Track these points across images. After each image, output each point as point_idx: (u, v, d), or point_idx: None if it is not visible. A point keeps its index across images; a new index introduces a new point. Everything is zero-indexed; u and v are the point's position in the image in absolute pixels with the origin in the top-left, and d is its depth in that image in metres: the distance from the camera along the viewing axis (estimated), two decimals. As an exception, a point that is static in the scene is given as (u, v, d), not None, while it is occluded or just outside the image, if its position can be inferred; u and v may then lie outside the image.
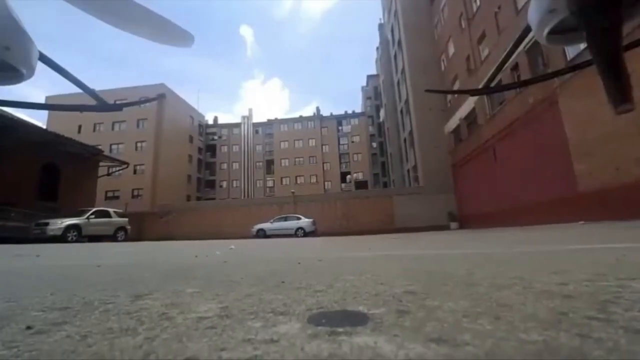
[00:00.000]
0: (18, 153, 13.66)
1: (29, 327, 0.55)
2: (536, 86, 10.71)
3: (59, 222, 12.30)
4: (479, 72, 15.55)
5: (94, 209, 14.03)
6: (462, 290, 0.80)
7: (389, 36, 31.30)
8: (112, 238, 14.06)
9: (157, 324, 0.57)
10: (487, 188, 15.02)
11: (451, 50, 19.76)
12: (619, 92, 0.48)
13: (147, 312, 0.65)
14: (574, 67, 0.93)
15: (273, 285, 0.99)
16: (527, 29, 0.70)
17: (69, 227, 12.42)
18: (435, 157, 20.69)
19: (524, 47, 11.16)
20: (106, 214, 14.25)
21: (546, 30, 0.59)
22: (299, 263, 1.80)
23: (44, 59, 0.73)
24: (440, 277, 1.05)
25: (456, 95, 19.53)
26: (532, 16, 0.61)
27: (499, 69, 1.10)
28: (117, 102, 1.00)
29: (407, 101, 24.78)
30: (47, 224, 12.15)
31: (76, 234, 12.61)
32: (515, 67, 12.39)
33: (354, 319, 0.56)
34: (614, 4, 0.47)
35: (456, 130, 19.14)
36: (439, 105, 20.95)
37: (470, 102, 16.74)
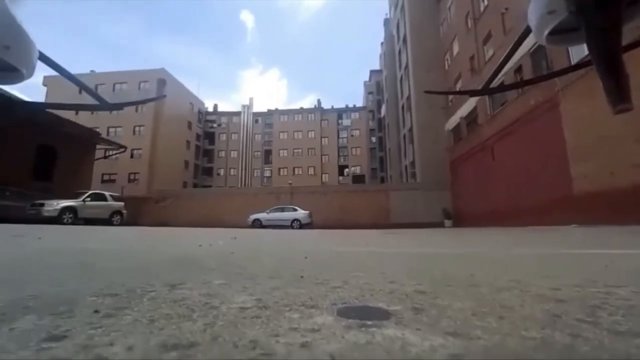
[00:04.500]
0: (15, 132, 13.53)
1: (96, 311, 0.63)
2: (538, 88, 10.80)
3: (55, 203, 12.30)
4: (482, 72, 15.58)
5: (90, 192, 14.04)
6: (466, 291, 0.89)
7: (394, 32, 31.06)
8: (108, 222, 14.09)
9: (207, 312, 0.65)
10: (483, 187, 15.22)
11: (456, 49, 19.71)
12: (618, 92, 0.49)
13: (190, 301, 0.74)
14: (573, 67, 0.94)
15: (292, 279, 1.07)
16: (527, 30, 0.70)
17: (65, 209, 12.43)
18: (434, 155, 20.83)
19: (529, 50, 11.20)
20: (102, 197, 14.26)
21: (546, 31, 0.59)
22: (306, 257, 1.89)
23: (44, 58, 0.72)
24: (444, 277, 1.14)
25: (458, 96, 19.56)
26: (532, 17, 0.62)
27: (498, 70, 1.13)
28: (118, 103, 1.04)
29: (409, 98, 24.78)
30: (42, 204, 12.15)
31: (72, 216, 12.64)
32: (519, 69, 12.44)
33: (378, 314, 0.65)
34: (613, 4, 0.48)
35: (456, 129, 19.24)
36: (440, 103, 20.99)
37: (471, 102, 16.80)
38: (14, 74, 0.59)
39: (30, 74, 0.62)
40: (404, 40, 25.98)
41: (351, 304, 0.74)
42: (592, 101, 7.84)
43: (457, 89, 19.89)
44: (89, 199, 13.37)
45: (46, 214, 11.85)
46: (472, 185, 16.76)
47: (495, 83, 1.41)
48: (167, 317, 0.60)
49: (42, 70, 0.70)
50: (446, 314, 0.65)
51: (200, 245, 2.85)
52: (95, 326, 0.54)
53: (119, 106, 1.05)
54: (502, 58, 1.08)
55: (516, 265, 1.67)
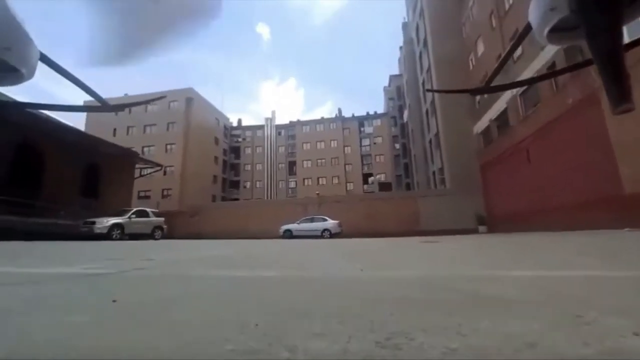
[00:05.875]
0: (62, 154, 14.67)
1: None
2: (575, 86, 10.38)
3: (105, 221, 13.22)
4: (510, 71, 15.15)
5: (135, 209, 14.93)
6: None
7: (414, 35, 30.94)
8: (150, 236, 14.89)
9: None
10: (519, 190, 14.62)
11: (480, 49, 19.34)
12: (618, 92, 0.49)
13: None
14: (574, 66, 0.89)
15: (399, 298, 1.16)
16: (528, 28, 0.69)
17: (114, 226, 13.31)
18: (463, 159, 20.30)
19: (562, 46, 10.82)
20: (145, 214, 15.13)
21: (547, 29, 0.59)
22: (361, 270, 1.99)
23: (44, 59, 0.72)
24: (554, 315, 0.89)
25: (486, 96, 19.08)
26: (533, 14, 0.61)
27: (499, 68, 1.10)
28: (119, 104, 1.03)
29: (432, 102, 24.44)
30: (94, 222, 13.09)
31: (119, 232, 13.50)
32: (552, 65, 12.02)
33: None
34: (614, 3, 0.47)
35: (485, 132, 18.71)
36: (467, 106, 20.54)
37: (501, 103, 16.34)
38: (15, 74, 0.60)
39: (30, 75, 0.63)
40: (425, 43, 25.82)
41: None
42: (637, 95, 7.43)
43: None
44: (134, 215, 14.24)
45: (97, 231, 12.75)
46: (506, 188, 16.14)
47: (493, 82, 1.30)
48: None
49: (42, 70, 0.71)
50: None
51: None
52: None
53: (120, 107, 1.04)
54: (503, 56, 1.05)
55: (599, 296, 1.20)
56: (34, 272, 2.28)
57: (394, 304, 1.04)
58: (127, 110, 40.82)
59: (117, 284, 1.72)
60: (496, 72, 1.11)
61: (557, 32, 0.59)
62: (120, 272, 2.16)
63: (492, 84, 1.28)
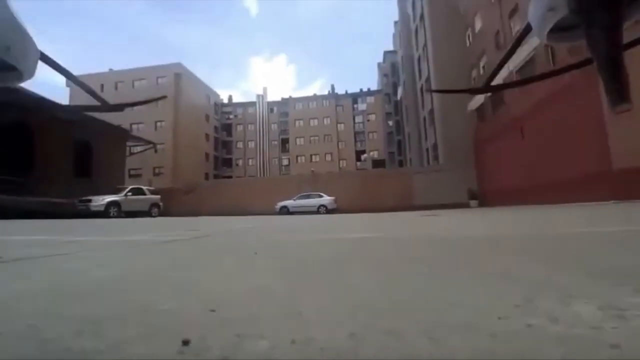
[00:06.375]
0: (52, 131, 14.11)
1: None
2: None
3: (101, 199, 13.12)
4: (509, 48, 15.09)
5: (130, 187, 14.82)
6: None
7: (410, 11, 30.10)
8: (147, 214, 14.90)
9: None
10: (511, 166, 15.04)
11: (478, 25, 19.06)
12: (617, 91, 0.49)
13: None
14: (573, 66, 0.93)
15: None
16: (527, 28, 0.69)
17: (110, 204, 13.24)
18: (457, 136, 20.54)
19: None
20: (141, 192, 15.05)
21: (546, 29, 0.59)
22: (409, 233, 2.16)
23: (44, 58, 0.72)
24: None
25: (481, 73, 19.06)
26: (533, 14, 0.62)
27: (499, 67, 1.09)
28: (119, 104, 1.04)
29: (428, 79, 24.26)
30: (90, 200, 12.98)
31: (116, 210, 13.46)
32: (532, 57, 12.05)
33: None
34: (613, 3, 0.47)
35: (480, 109, 18.86)
36: (463, 83, 20.49)
37: (498, 80, 16.34)
38: (15, 74, 0.60)
39: (31, 75, 0.63)
40: (421, 18, 25.21)
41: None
42: (632, 71, 7.60)
43: (482, 66, 19.32)
44: (130, 193, 14.16)
45: (94, 209, 12.68)
46: (498, 164, 16.56)
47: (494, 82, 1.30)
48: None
49: (42, 71, 0.73)
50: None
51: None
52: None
53: (120, 107, 1.03)
54: (503, 55, 1.06)
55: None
56: (128, 240, 2.45)
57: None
58: (113, 86, 39.12)
59: (220, 244, 2.03)
60: (496, 72, 1.14)
61: (557, 32, 0.60)
62: (196, 238, 2.41)
63: (490, 84, 1.26)
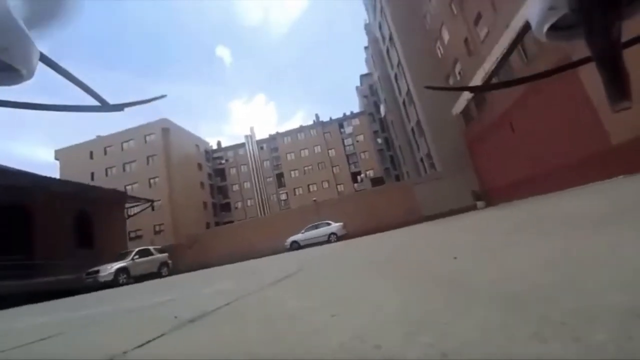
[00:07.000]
0: (49, 207, 13.98)
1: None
2: (547, 55, 10.99)
3: (108, 267, 12.67)
4: (481, 52, 15.87)
5: (137, 249, 14.42)
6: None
7: (378, 34, 31.84)
8: (157, 274, 14.40)
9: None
10: (508, 160, 15.21)
11: (446, 36, 20.15)
12: (617, 90, 0.49)
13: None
14: (572, 64, 0.93)
15: None
16: (527, 26, 0.69)
17: (119, 271, 12.78)
18: (449, 141, 20.93)
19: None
20: (148, 252, 14.65)
21: (545, 27, 0.59)
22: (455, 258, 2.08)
23: (44, 59, 0.71)
24: None
25: (459, 77, 19.84)
26: (532, 13, 0.62)
27: (499, 66, 1.20)
28: (119, 104, 1.03)
29: (408, 92, 25.14)
30: (97, 271, 12.52)
31: (125, 276, 12.97)
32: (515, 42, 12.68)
33: None
34: (613, 2, 0.47)
35: (465, 111, 19.40)
36: (441, 91, 21.25)
37: (476, 81, 17.01)
38: (14, 74, 0.59)
39: (30, 75, 0.62)
40: (391, 39, 26.61)
41: None
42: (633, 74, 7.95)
43: (457, 73, 20.16)
44: (137, 256, 13.74)
45: (102, 279, 12.20)
46: (496, 162, 16.75)
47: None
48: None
49: (43, 71, 0.70)
50: None
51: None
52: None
53: (119, 107, 1.03)
54: (502, 54, 1.14)
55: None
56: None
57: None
58: (102, 151, 39.41)
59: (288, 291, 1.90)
60: (495, 71, 1.18)
61: (556, 30, 0.60)
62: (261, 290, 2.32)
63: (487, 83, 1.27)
